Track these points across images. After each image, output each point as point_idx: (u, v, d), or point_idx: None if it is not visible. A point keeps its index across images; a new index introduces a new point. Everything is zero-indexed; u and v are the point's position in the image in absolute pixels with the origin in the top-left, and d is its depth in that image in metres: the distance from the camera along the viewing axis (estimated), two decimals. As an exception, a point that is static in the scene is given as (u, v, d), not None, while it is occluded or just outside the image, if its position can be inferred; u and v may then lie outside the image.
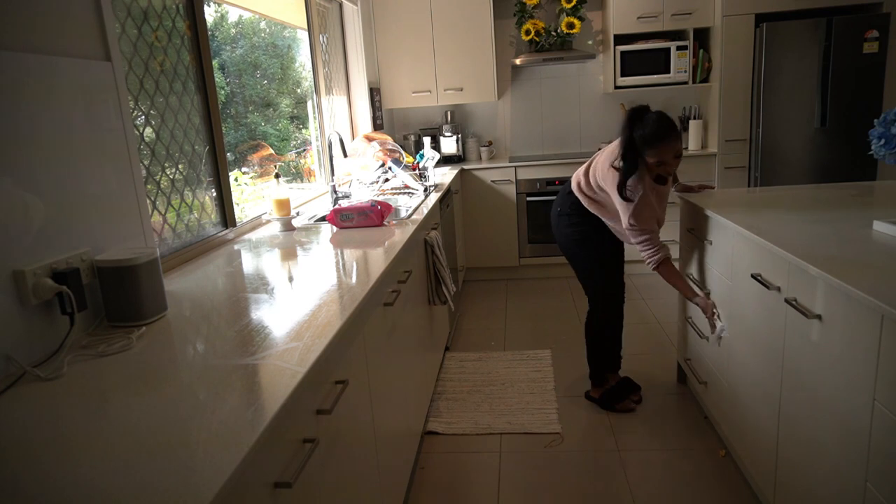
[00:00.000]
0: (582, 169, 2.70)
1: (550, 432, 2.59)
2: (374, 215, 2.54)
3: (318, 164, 3.84)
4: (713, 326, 2.30)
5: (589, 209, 2.60)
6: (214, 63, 2.43)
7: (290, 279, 1.85)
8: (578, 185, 2.66)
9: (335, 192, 3.25)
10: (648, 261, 2.45)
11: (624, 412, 2.71)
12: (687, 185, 2.77)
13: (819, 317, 1.55)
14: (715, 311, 2.31)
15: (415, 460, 2.38)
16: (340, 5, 4.27)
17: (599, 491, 2.22)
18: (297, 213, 2.83)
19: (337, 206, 2.60)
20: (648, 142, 2.33)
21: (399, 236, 2.32)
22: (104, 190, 1.59)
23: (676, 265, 2.56)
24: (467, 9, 4.57)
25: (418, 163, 3.68)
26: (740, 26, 4.22)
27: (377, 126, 4.56)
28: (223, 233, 2.42)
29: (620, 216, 2.44)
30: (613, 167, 2.44)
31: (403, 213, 2.83)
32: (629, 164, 2.36)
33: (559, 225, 2.73)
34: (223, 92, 2.77)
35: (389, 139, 3.79)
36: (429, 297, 2.82)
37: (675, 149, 2.34)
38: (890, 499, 1.30)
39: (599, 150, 2.73)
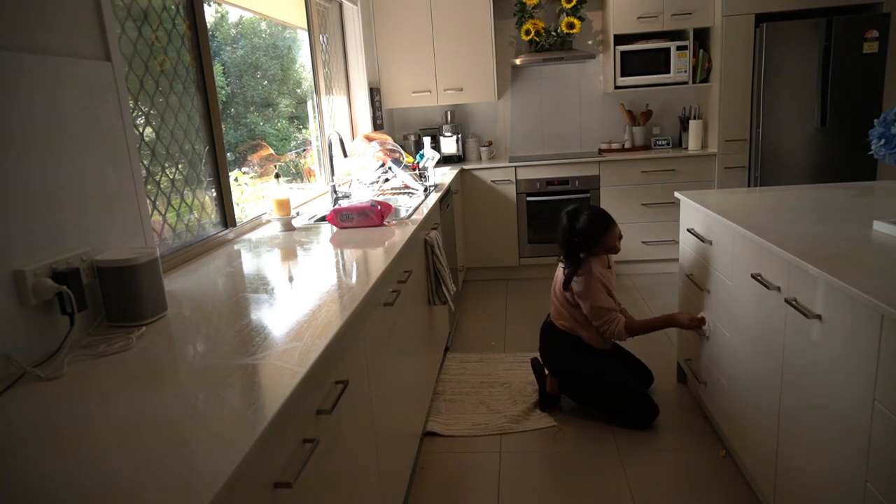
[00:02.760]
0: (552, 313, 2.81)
1: (549, 426, 2.62)
2: (374, 215, 2.54)
3: (318, 164, 3.84)
4: (703, 330, 2.47)
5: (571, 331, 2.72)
6: (216, 64, 2.43)
7: (290, 279, 1.85)
8: (559, 319, 2.76)
9: (335, 192, 3.25)
10: (615, 336, 2.63)
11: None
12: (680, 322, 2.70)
13: (819, 317, 1.55)
14: (703, 319, 2.48)
15: (415, 460, 2.38)
16: (340, 5, 4.27)
17: (599, 491, 2.21)
18: (297, 213, 2.83)
19: (337, 206, 2.60)
20: (595, 238, 2.60)
21: (399, 236, 2.32)
22: (104, 190, 1.59)
23: (676, 265, 2.58)
24: (467, 9, 4.57)
25: (418, 163, 3.68)
26: (740, 26, 4.22)
27: (377, 126, 4.56)
28: (223, 233, 2.42)
29: (582, 306, 2.63)
30: (564, 273, 2.66)
31: (403, 213, 2.83)
32: (573, 262, 2.63)
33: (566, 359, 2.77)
34: (223, 92, 2.77)
35: (389, 139, 3.79)
36: (429, 297, 2.81)
37: (617, 233, 2.65)
38: (890, 499, 1.30)
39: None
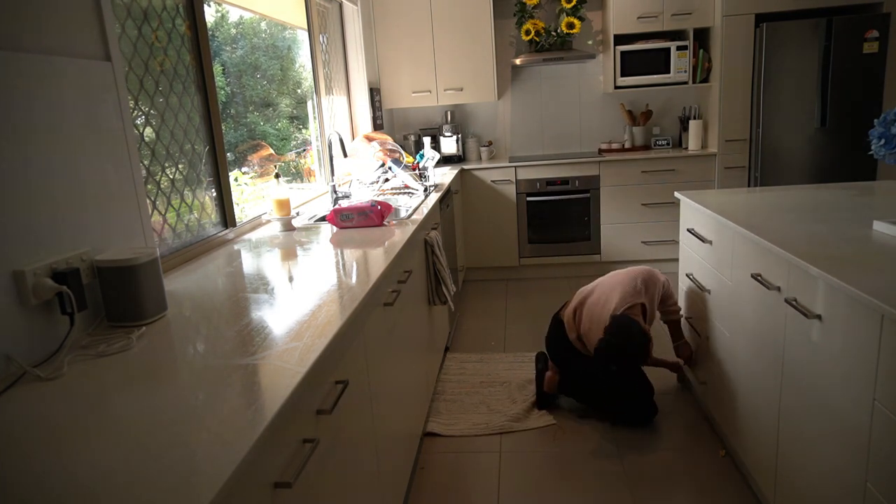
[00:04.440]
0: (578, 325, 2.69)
1: (548, 424, 2.62)
2: (375, 215, 2.54)
3: (318, 164, 3.84)
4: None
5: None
6: (216, 64, 2.42)
7: (290, 279, 1.85)
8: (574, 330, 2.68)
9: (335, 192, 3.25)
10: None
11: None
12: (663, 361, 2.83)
13: (819, 317, 1.55)
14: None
15: (415, 461, 2.38)
16: (340, 5, 4.27)
17: (599, 491, 2.21)
18: (297, 213, 2.83)
19: (337, 206, 2.60)
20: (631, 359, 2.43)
21: (399, 236, 2.32)
22: (104, 190, 1.59)
23: (676, 265, 2.57)
24: (467, 9, 4.57)
25: (418, 163, 3.68)
26: (740, 26, 4.22)
27: (377, 126, 4.56)
28: (223, 233, 2.42)
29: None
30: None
31: (403, 213, 2.83)
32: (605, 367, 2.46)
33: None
34: (223, 92, 2.77)
35: (389, 139, 3.79)
36: (429, 297, 2.81)
37: (649, 350, 2.49)
38: (890, 499, 1.30)
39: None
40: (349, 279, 1.82)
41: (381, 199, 3.33)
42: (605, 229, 4.63)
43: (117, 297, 1.48)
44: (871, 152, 1.85)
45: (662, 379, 2.99)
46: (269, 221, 2.72)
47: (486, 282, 4.81)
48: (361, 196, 3.31)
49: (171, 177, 2.13)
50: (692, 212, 2.59)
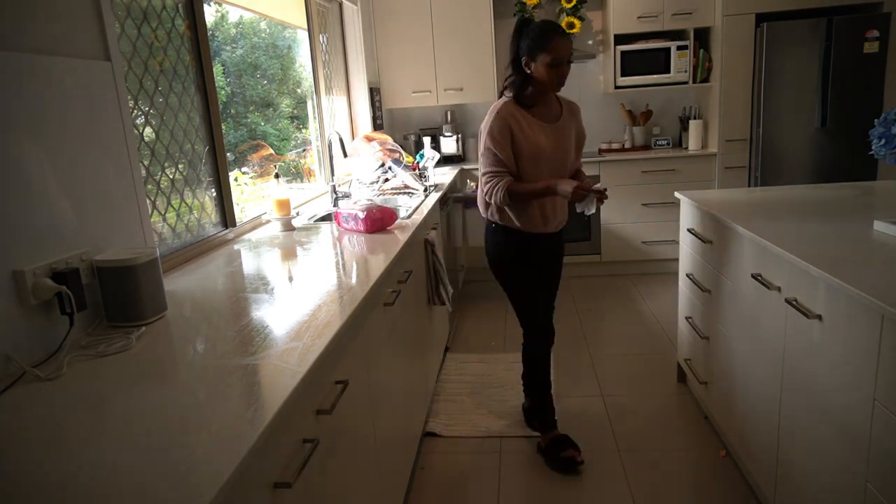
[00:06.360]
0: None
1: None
2: (365, 221, 2.43)
3: (318, 164, 3.84)
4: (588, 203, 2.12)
5: (486, 215, 2.37)
6: (216, 64, 2.42)
7: (290, 279, 1.85)
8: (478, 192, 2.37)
9: (335, 192, 3.25)
10: (497, 198, 2.21)
11: (570, 463, 2.31)
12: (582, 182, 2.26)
13: (819, 317, 1.55)
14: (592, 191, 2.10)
15: (415, 461, 2.38)
16: (340, 5, 4.27)
17: (599, 491, 2.21)
18: (297, 213, 2.83)
19: (340, 210, 2.58)
20: (539, 44, 2.13)
21: (399, 236, 2.32)
22: (104, 190, 1.59)
23: (676, 265, 2.53)
24: (467, 9, 4.57)
25: (418, 163, 3.68)
26: (740, 26, 4.22)
27: (377, 126, 4.55)
28: (223, 233, 2.42)
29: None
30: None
31: (403, 213, 2.83)
32: (520, 76, 2.19)
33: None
34: (223, 92, 2.77)
35: (389, 139, 3.79)
36: (429, 298, 2.81)
37: (566, 47, 2.13)
38: (890, 499, 1.30)
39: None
40: (349, 279, 1.82)
41: (381, 199, 3.33)
42: (605, 229, 4.63)
43: (117, 297, 1.48)
44: (871, 152, 1.85)
45: (663, 379, 2.99)
46: (269, 221, 2.71)
47: (486, 282, 4.80)
48: (361, 196, 3.30)
49: (171, 177, 2.13)
50: (692, 212, 2.59)
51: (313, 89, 3.72)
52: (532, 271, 2.42)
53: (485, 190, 2.25)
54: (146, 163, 1.98)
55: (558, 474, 2.32)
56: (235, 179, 2.74)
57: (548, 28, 2.17)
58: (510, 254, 2.38)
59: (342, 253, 2.18)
